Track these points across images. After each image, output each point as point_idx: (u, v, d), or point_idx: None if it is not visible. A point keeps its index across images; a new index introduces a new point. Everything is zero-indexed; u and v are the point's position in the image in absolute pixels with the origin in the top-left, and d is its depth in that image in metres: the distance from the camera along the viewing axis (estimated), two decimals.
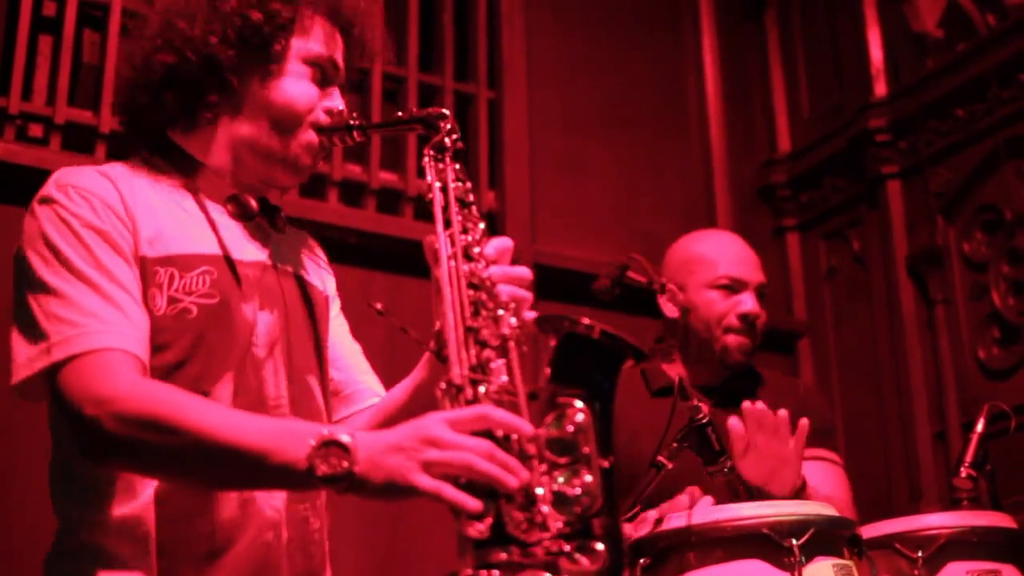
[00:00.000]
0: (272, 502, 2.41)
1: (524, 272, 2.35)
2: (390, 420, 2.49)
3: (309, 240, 2.91)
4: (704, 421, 2.95)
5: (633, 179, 6.25)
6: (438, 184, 2.42)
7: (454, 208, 2.36)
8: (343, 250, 4.67)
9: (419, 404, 2.22)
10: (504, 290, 2.26)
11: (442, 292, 2.20)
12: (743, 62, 6.96)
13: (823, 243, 6.56)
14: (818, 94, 6.73)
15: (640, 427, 3.58)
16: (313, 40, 2.63)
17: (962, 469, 3.30)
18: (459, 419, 1.97)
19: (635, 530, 2.88)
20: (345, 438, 2.01)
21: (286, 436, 2.08)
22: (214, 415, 2.17)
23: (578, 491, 1.94)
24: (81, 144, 4.77)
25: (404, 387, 2.71)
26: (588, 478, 1.95)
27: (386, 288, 5.07)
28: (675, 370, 3.94)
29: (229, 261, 2.49)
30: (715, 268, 3.93)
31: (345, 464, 1.99)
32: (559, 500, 1.93)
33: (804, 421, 3.35)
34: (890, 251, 6.03)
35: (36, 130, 4.78)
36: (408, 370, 2.71)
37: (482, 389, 2.04)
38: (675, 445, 2.94)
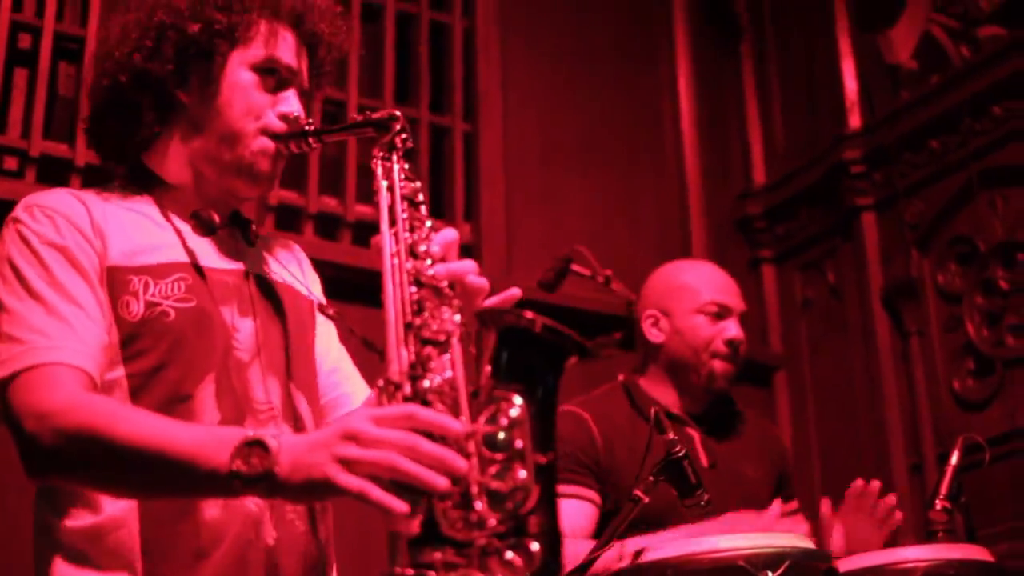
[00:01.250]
0: (254, 498, 2.35)
1: (470, 266, 2.31)
2: None
3: (294, 248, 2.87)
4: (680, 455, 2.95)
5: (609, 211, 6.25)
6: (384, 183, 2.37)
7: (400, 206, 2.31)
8: None
9: None
10: (447, 268, 2.22)
11: (384, 290, 2.16)
12: (719, 93, 6.98)
13: (799, 275, 6.57)
14: (793, 126, 6.75)
15: (629, 453, 3.61)
16: (257, 44, 2.58)
17: (937, 502, 3.32)
18: (384, 416, 1.94)
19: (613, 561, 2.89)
20: (271, 440, 1.99)
21: (213, 440, 2.06)
22: (146, 424, 2.15)
23: (511, 487, 1.89)
24: (56, 177, 4.75)
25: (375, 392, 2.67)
26: (522, 474, 1.89)
27: (362, 320, 5.02)
28: (661, 393, 3.95)
29: (198, 268, 2.48)
30: (701, 295, 3.96)
31: (265, 464, 1.97)
32: (492, 497, 1.89)
33: (899, 517, 3.60)
34: (865, 283, 6.05)
35: (11, 163, 4.77)
36: (376, 375, 2.68)
37: (426, 384, 2.00)
38: (651, 479, 2.94)
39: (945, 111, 5.76)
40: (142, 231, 2.49)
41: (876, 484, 3.64)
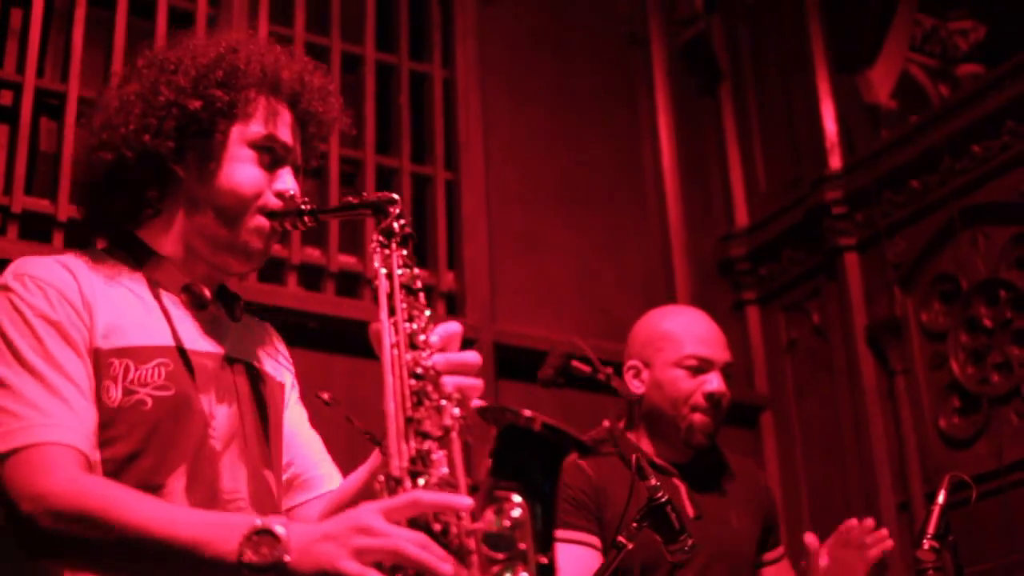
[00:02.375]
0: None
1: (471, 358, 2.30)
2: (344, 508, 2.37)
3: (269, 330, 2.86)
4: (663, 500, 2.94)
5: (592, 256, 6.26)
6: (383, 270, 2.37)
7: (399, 295, 2.31)
8: (303, 334, 4.66)
9: (373, 492, 2.20)
10: (449, 381, 2.22)
11: (384, 382, 2.16)
12: (699, 137, 7.00)
13: (783, 316, 6.57)
14: (774, 168, 6.77)
15: (616, 500, 3.58)
16: (256, 122, 2.59)
17: (924, 541, 3.31)
18: (391, 507, 1.95)
19: None
20: (279, 528, 1.99)
21: (219, 527, 2.06)
22: (147, 509, 2.14)
23: None
24: (38, 233, 4.76)
25: (359, 475, 2.64)
26: (524, 575, 1.90)
27: (347, 372, 5.05)
28: (647, 443, 3.91)
29: (183, 352, 2.47)
30: (682, 347, 3.89)
31: (276, 553, 1.97)
32: None
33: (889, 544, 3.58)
34: (849, 322, 6.06)
35: None
36: (367, 458, 2.68)
37: (421, 481, 2.00)
38: (634, 525, 2.93)
39: (925, 150, 5.79)
40: (128, 309, 2.47)
41: (869, 521, 3.63)
